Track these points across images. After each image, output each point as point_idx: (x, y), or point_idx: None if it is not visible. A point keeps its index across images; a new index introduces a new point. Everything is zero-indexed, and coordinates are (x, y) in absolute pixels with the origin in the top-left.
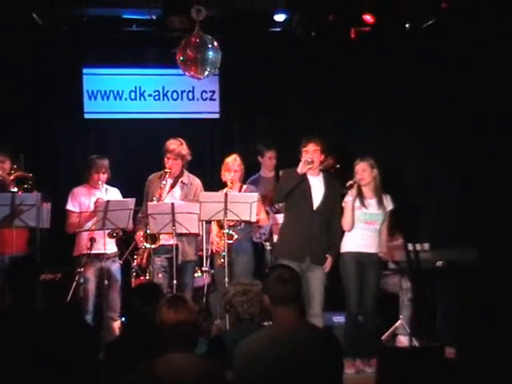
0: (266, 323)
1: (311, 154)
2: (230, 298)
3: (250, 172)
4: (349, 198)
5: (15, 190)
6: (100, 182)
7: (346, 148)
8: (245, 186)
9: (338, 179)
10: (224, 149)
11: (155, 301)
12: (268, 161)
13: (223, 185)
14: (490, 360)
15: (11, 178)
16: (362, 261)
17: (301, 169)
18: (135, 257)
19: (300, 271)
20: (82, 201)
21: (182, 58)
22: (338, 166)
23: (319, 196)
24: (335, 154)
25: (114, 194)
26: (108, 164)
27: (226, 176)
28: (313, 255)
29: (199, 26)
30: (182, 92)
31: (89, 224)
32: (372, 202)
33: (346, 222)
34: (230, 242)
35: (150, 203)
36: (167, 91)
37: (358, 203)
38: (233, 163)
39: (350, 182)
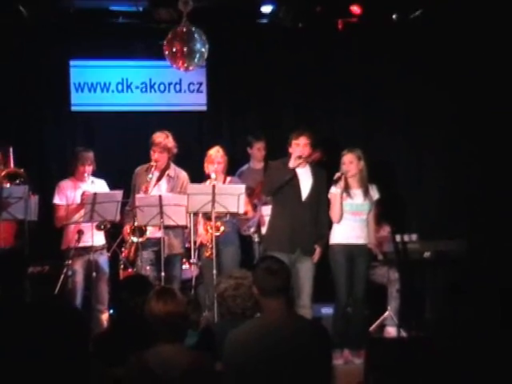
0: (256, 315)
1: (302, 148)
2: (221, 292)
3: (237, 164)
4: (337, 190)
5: (7, 185)
6: (86, 175)
7: (333, 139)
8: (228, 178)
9: (325, 171)
10: (211, 141)
11: (144, 293)
12: (257, 152)
13: (206, 177)
14: (478, 351)
15: (3, 173)
16: (351, 252)
17: (292, 164)
18: (123, 249)
19: (289, 263)
20: (68, 194)
21: (169, 50)
22: (324, 159)
23: (307, 187)
24: (322, 148)
25: (100, 185)
26: (93, 156)
27: (210, 168)
28: (302, 246)
29: (186, 18)
30: (169, 84)
31: (76, 217)
32: (358, 192)
33: (334, 213)
34: (217, 234)
35: (137, 195)
36: (154, 83)
37: (343, 194)
38: (216, 155)
39: (338, 175)
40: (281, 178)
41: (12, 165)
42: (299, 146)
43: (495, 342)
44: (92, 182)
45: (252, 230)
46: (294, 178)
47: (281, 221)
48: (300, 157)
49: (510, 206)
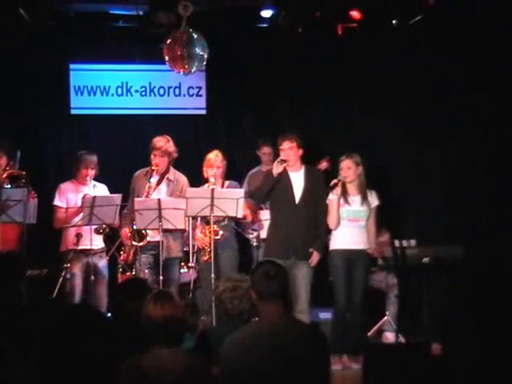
0: (253, 319)
1: (287, 152)
2: (219, 294)
3: (235, 168)
4: (334, 197)
5: (8, 186)
6: (88, 178)
7: (331, 144)
8: (227, 183)
9: (323, 174)
10: (210, 145)
11: (142, 296)
12: (263, 156)
13: (205, 181)
14: (475, 356)
15: (4, 175)
16: (350, 257)
17: (275, 170)
18: (121, 252)
19: (286, 268)
20: (69, 196)
21: (168, 54)
22: (330, 168)
23: (300, 190)
24: (329, 158)
25: (101, 190)
26: (97, 160)
27: (209, 172)
28: (298, 251)
29: (186, 22)
30: (169, 88)
31: (76, 219)
32: (356, 198)
33: (331, 220)
34: (218, 237)
35: (136, 199)
36: (154, 87)
37: (341, 200)
38: (215, 159)
39: (334, 181)
40: (267, 185)
41: (17, 167)
42: (284, 151)
43: (493, 347)
44: (94, 185)
45: (256, 233)
46: (286, 183)
47: (276, 227)
48: (282, 161)
49: (508, 212)
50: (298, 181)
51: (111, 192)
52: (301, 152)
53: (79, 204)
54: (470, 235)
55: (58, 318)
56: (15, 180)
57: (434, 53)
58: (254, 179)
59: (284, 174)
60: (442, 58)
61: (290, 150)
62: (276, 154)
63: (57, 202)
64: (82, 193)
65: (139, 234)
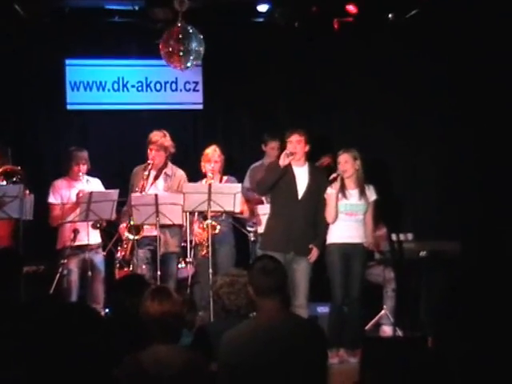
0: (251, 314)
1: (294, 145)
2: (216, 289)
3: (232, 163)
4: (332, 191)
5: (3, 183)
6: (80, 174)
7: (329, 139)
8: (225, 178)
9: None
10: (207, 140)
11: (140, 292)
12: (270, 151)
13: (203, 176)
14: (470, 351)
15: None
16: (347, 252)
17: (282, 161)
18: (119, 248)
19: (285, 262)
20: (63, 193)
21: (165, 49)
22: (332, 164)
23: (304, 186)
24: (332, 154)
25: (95, 184)
26: (87, 155)
27: (206, 167)
28: (297, 246)
29: (182, 17)
30: (166, 83)
31: (72, 216)
32: (353, 192)
33: (328, 214)
34: (216, 232)
35: (133, 194)
36: (150, 82)
37: (339, 194)
38: (213, 154)
39: (334, 175)
40: (272, 176)
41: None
42: (292, 144)
43: (490, 339)
44: (87, 180)
45: (256, 227)
46: (290, 177)
47: (276, 220)
48: (290, 154)
49: (504, 206)
50: (301, 176)
51: (108, 187)
52: (307, 148)
53: (73, 200)
54: (466, 229)
55: (52, 318)
56: (10, 176)
57: (429, 46)
58: (257, 173)
59: (288, 168)
60: (437, 51)
61: (297, 143)
62: (283, 149)
63: (51, 199)
64: (75, 188)
65: (135, 228)
